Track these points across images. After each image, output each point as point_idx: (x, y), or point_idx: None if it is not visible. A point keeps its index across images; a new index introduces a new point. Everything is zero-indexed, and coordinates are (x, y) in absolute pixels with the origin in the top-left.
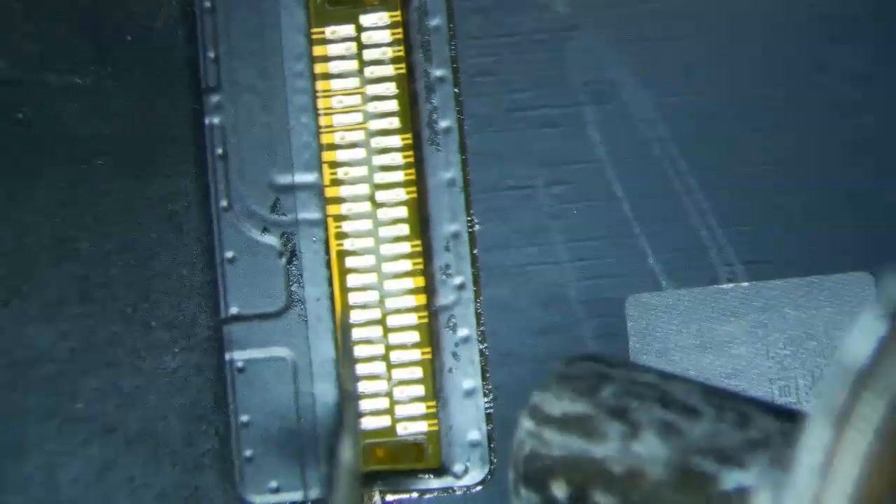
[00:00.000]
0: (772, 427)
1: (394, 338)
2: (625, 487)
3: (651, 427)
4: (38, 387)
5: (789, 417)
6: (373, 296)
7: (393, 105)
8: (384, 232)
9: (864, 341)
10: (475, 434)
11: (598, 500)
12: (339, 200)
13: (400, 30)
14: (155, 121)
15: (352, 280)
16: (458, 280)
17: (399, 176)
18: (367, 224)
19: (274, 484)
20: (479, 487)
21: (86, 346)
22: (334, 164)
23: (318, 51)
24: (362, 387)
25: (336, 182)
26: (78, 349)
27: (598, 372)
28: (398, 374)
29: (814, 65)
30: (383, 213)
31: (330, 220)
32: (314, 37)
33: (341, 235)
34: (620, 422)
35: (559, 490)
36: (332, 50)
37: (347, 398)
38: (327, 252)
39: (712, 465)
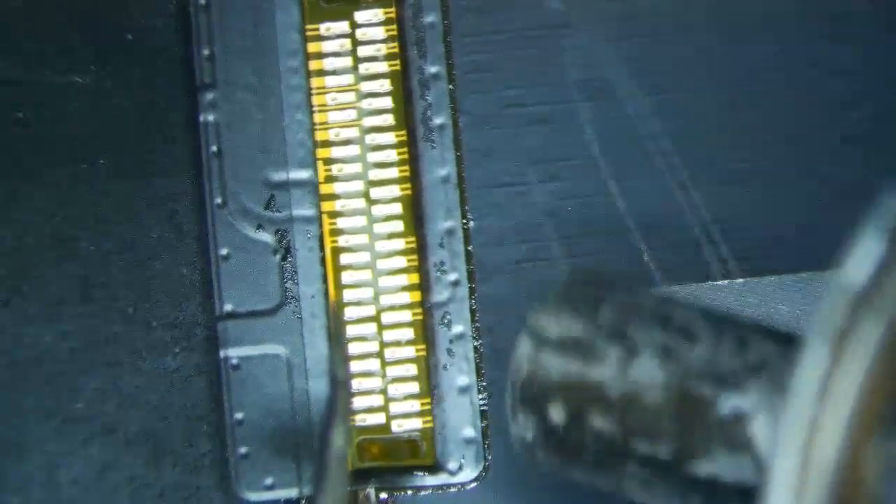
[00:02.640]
0: (770, 351)
1: (388, 335)
2: (622, 411)
3: (649, 350)
4: (38, 387)
5: (788, 341)
6: (367, 293)
7: (387, 102)
8: (379, 228)
9: (862, 263)
10: (470, 431)
11: (595, 423)
12: (333, 197)
13: (394, 26)
14: (155, 120)
15: (346, 277)
16: (452, 277)
17: (393, 172)
18: (361, 221)
19: (269, 481)
20: (473, 484)
21: (86, 346)
22: (329, 161)
23: (312, 47)
24: (357, 384)
25: (330, 179)
26: (78, 349)
27: (597, 294)
28: (392, 371)
29: (807, 61)
30: (378, 210)
31: (324, 216)
32: (308, 33)
33: (336, 232)
34: (618, 344)
35: (556, 413)
36: (327, 47)
37: (338, 384)
38: (322, 249)
39: (710, 388)
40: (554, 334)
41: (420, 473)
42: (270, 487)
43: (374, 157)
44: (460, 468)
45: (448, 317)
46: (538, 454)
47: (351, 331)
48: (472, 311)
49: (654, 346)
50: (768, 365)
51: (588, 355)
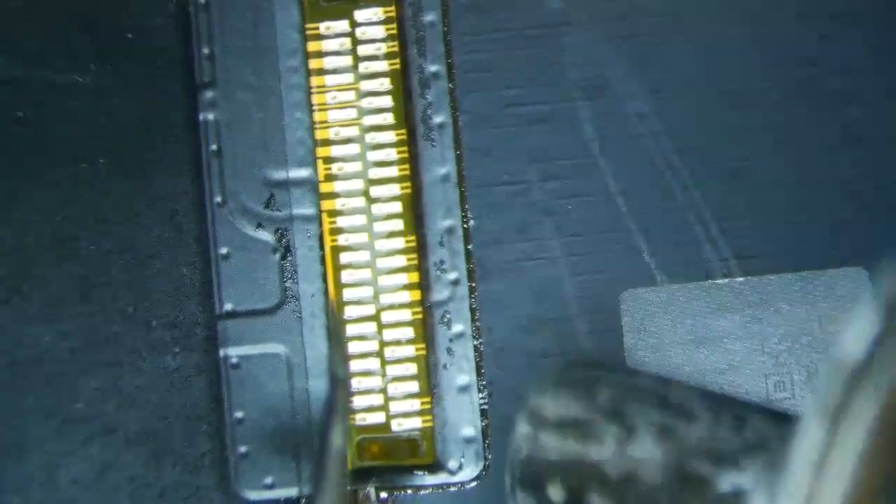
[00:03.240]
0: (768, 429)
1: (388, 334)
2: (621, 490)
3: (647, 430)
4: (38, 387)
5: (786, 420)
6: (367, 292)
7: (387, 101)
8: (378, 227)
9: (858, 338)
10: (470, 430)
11: (594, 502)
12: (333, 196)
13: (394, 25)
14: (155, 120)
15: (346, 276)
16: (452, 276)
17: (393, 171)
18: (361, 219)
19: (269, 480)
20: (473, 483)
21: (86, 346)
22: (329, 160)
23: (312, 46)
24: (356, 383)
25: (330, 177)
26: (78, 349)
27: (595, 376)
28: (392, 370)
29: (807, 60)
30: (377, 209)
31: (324, 215)
32: (308, 32)
33: (335, 231)
34: (617, 425)
35: (555, 493)
36: (327, 46)
37: (337, 382)
38: (321, 248)
39: (708, 467)
40: (552, 415)
41: (420, 472)
42: (270, 486)
43: (373, 155)
44: (460, 467)
45: (448, 316)
46: None
47: (351, 330)
48: (472, 310)
49: (652, 426)
50: (766, 443)
51: (586, 435)
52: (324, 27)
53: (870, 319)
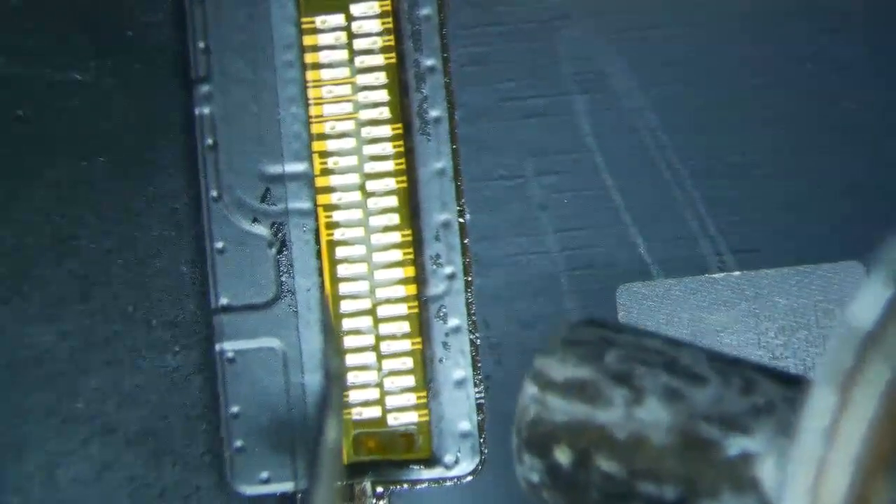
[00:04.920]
0: (777, 393)
1: (384, 328)
2: (628, 453)
3: (655, 393)
4: (39, 386)
5: (795, 383)
6: (363, 286)
7: (383, 95)
8: (374, 221)
9: (870, 305)
10: (466, 424)
11: (601, 465)
12: (329, 190)
13: (390, 19)
14: (155, 118)
15: (342, 270)
16: (448, 270)
17: (389, 165)
18: (357, 214)
19: (264, 475)
20: (469, 478)
21: (86, 346)
22: (324, 154)
23: (308, 40)
24: (353, 378)
25: (326, 172)
26: (78, 348)
27: (603, 337)
28: (388, 364)
29: (805, 55)
30: (373, 203)
31: (320, 209)
32: (304, 26)
33: (331, 225)
34: (624, 387)
35: (562, 456)
36: (322, 39)
37: (332, 376)
38: (317, 242)
39: (716, 431)
40: (560, 377)
41: (416, 467)
42: (266, 481)
43: (369, 149)
44: (456, 462)
45: (444, 310)
46: (544, 496)
47: (347, 324)
48: (468, 305)
49: (661, 389)
50: (776, 407)
51: (593, 398)
52: (319, 21)
53: (880, 288)
